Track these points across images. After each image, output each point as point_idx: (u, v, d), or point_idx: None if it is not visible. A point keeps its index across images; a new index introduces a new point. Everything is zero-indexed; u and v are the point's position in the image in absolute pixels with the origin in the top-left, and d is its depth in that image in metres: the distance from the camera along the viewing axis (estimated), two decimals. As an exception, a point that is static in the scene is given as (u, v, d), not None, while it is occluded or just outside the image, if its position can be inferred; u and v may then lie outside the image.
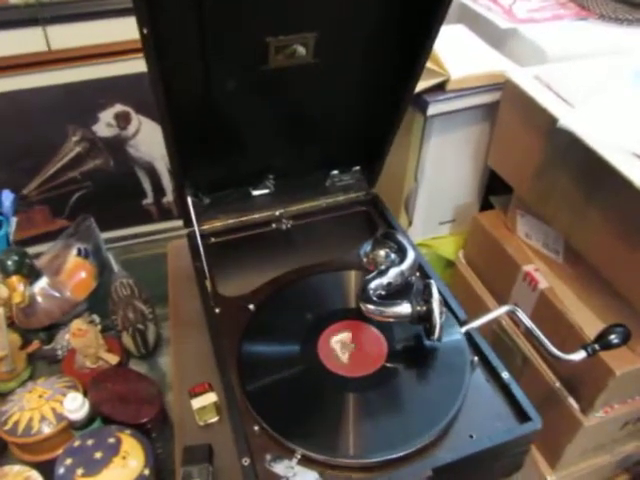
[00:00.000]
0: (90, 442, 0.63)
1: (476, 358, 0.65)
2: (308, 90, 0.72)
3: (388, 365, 0.65)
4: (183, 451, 0.63)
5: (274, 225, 0.85)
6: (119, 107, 1.24)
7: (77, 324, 0.77)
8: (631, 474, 1.07)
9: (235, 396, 0.61)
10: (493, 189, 1.07)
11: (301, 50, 0.63)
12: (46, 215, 1.34)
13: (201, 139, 0.73)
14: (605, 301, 0.80)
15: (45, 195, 1.30)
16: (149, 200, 1.39)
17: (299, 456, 0.56)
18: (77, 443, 0.64)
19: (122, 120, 1.26)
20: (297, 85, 0.71)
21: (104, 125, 1.25)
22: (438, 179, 1.01)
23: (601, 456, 0.95)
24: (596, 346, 0.63)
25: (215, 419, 0.69)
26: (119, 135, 1.27)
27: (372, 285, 0.66)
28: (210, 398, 0.69)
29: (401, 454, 0.56)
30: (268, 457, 0.56)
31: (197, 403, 0.69)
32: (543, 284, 0.86)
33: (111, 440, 0.64)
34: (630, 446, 0.97)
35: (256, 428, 0.59)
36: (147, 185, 1.37)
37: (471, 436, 0.58)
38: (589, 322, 0.80)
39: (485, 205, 1.08)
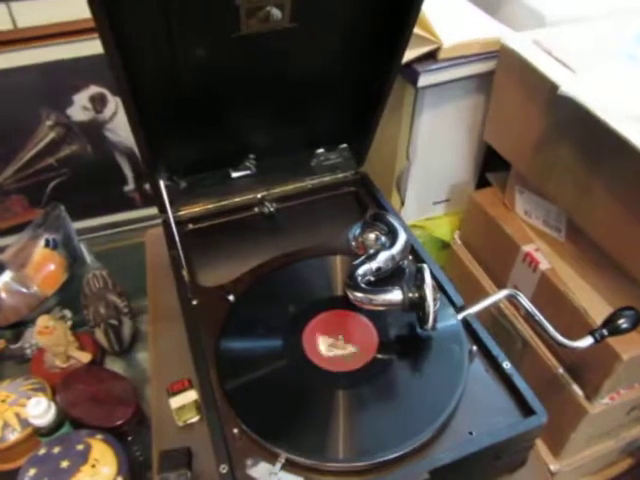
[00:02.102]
0: (56, 450, 0.58)
1: (475, 347, 0.60)
2: (286, 59, 0.67)
3: (380, 357, 0.60)
4: (159, 456, 0.58)
5: (256, 209, 0.80)
6: (94, 89, 1.17)
7: (43, 321, 0.72)
8: (635, 458, 1.04)
9: (213, 396, 0.56)
10: (489, 166, 1.02)
11: (276, 13, 0.57)
12: (24, 205, 1.28)
13: (171, 117, 0.68)
14: (611, 281, 0.76)
15: (21, 184, 1.24)
16: (130, 187, 1.33)
17: (283, 460, 0.51)
18: (42, 451, 0.59)
19: (98, 103, 1.20)
20: (274, 54, 0.65)
21: (79, 108, 1.19)
22: (431, 156, 0.96)
23: (605, 442, 0.93)
24: (604, 331, 0.58)
25: (196, 419, 0.65)
26: (96, 119, 1.21)
27: (360, 271, 0.61)
28: (190, 396, 0.64)
29: (395, 455, 0.51)
30: (249, 462, 0.52)
31: (176, 402, 0.65)
32: (544, 265, 0.82)
33: (79, 447, 0.59)
34: (635, 431, 0.94)
35: (236, 431, 0.54)
36: (128, 171, 1.31)
37: (471, 433, 0.54)
38: (594, 304, 0.76)
39: (481, 183, 1.04)
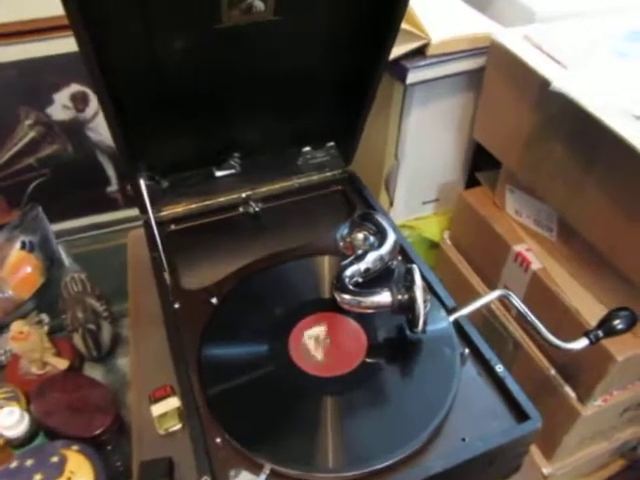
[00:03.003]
0: (29, 462, 0.55)
1: (467, 350, 0.58)
2: (271, 54, 0.64)
3: (369, 361, 0.58)
4: (139, 467, 0.55)
5: (241, 209, 0.77)
6: (75, 87, 1.14)
7: (17, 326, 0.69)
8: (627, 459, 1.03)
9: (195, 403, 0.54)
10: (478, 165, 1.01)
11: (259, 4, 0.55)
12: (2, 206, 1.24)
13: (151, 114, 0.65)
14: (603, 281, 0.75)
15: (0, 184, 1.20)
16: (114, 187, 1.30)
17: (268, 471, 0.49)
18: (14, 464, 0.56)
19: (79, 101, 1.17)
20: (258, 48, 0.62)
21: (60, 107, 1.16)
22: (420, 155, 0.94)
23: (598, 444, 0.91)
24: (599, 333, 0.57)
25: (178, 427, 0.62)
26: (77, 118, 1.18)
27: (348, 272, 0.59)
28: (172, 403, 0.62)
29: (385, 464, 0.49)
30: (232, 473, 0.49)
31: (158, 409, 0.62)
32: (535, 265, 0.81)
33: (54, 459, 0.56)
34: (628, 432, 0.93)
35: (219, 440, 0.51)
36: (111, 171, 1.28)
37: (463, 439, 0.52)
38: (586, 305, 0.75)
39: (471, 183, 1.02)
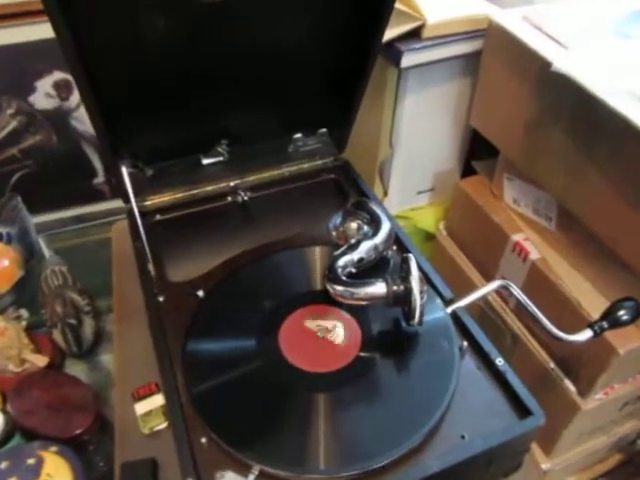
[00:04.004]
0: (4, 465, 0.52)
1: (465, 343, 0.55)
2: (259, 35, 0.61)
3: (363, 355, 0.55)
4: (120, 470, 0.52)
5: (229, 198, 0.74)
6: (58, 75, 1.11)
7: (-7, 321, 0.66)
8: (625, 454, 1.02)
9: (179, 401, 0.51)
10: (475, 154, 0.98)
11: (245, -22, 0.52)
12: (-14, 198, 1.20)
13: (133, 98, 0.62)
14: (604, 271, 0.73)
15: (-18, 176, 1.17)
16: (100, 179, 1.27)
17: (256, 472, 0.46)
18: (-12, 467, 0.53)
19: (63, 89, 1.13)
20: (245, 28, 0.59)
21: (42, 95, 1.13)
22: (415, 143, 0.91)
23: (598, 438, 0.90)
24: (604, 324, 0.54)
25: (163, 426, 0.59)
26: (61, 107, 1.15)
27: (340, 262, 0.56)
28: (157, 401, 0.60)
29: (381, 464, 0.47)
30: (218, 475, 0.47)
31: (142, 407, 0.60)
32: (534, 255, 0.79)
33: (30, 461, 0.53)
34: (627, 426, 0.92)
35: (204, 440, 0.48)
36: (97, 163, 1.25)
37: (463, 437, 0.49)
38: (587, 295, 0.73)
39: (467, 172, 0.99)
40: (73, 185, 1.24)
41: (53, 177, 1.20)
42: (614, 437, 0.92)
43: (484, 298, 0.87)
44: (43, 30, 1.04)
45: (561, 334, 0.53)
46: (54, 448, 0.56)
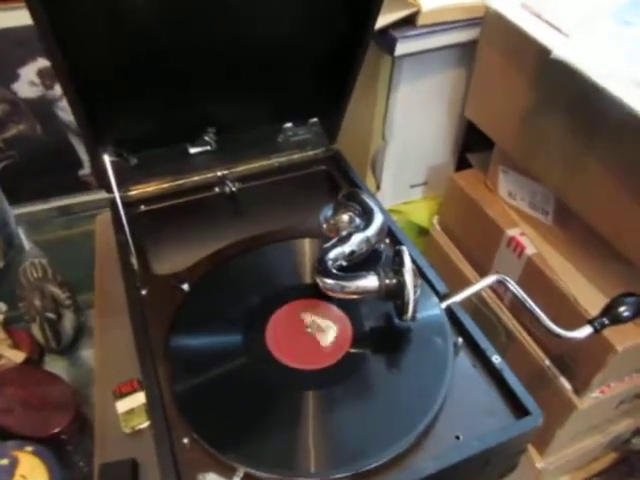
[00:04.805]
0: (-26, 466, 0.50)
1: (460, 339, 0.53)
2: (245, 15, 0.59)
3: (354, 352, 0.52)
4: (99, 470, 0.50)
5: (217, 189, 0.72)
6: (42, 62, 1.07)
7: (-33, 315, 0.63)
8: (619, 453, 1.01)
9: (161, 399, 0.49)
10: (469, 147, 0.96)
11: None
12: (-35, 189, 1.17)
13: (116, 83, 0.59)
14: (602, 267, 0.71)
15: (-35, 167, 1.14)
16: (86, 171, 1.23)
17: (241, 474, 0.44)
18: (-43, 468, 0.50)
19: (47, 77, 1.10)
20: (231, 8, 0.57)
21: (26, 83, 1.09)
22: (408, 135, 0.89)
23: (592, 437, 0.88)
24: (605, 320, 0.52)
25: (145, 424, 0.57)
26: (45, 95, 1.12)
27: (331, 255, 0.53)
28: (140, 399, 0.58)
29: (371, 466, 0.44)
30: (200, 477, 0.44)
31: (123, 405, 0.58)
32: (530, 250, 0.77)
33: (4, 462, 0.50)
34: (622, 424, 0.90)
35: (186, 440, 0.46)
36: (84, 154, 1.21)
37: (457, 437, 0.47)
38: (584, 292, 0.71)
39: (461, 166, 0.97)
40: (59, 177, 1.21)
41: (38, 168, 1.17)
42: (609, 436, 0.90)
43: (479, 295, 0.85)
44: (24, 16, 1.01)
45: (560, 331, 0.52)
46: (30, 448, 0.53)
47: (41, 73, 1.08)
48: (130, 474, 0.50)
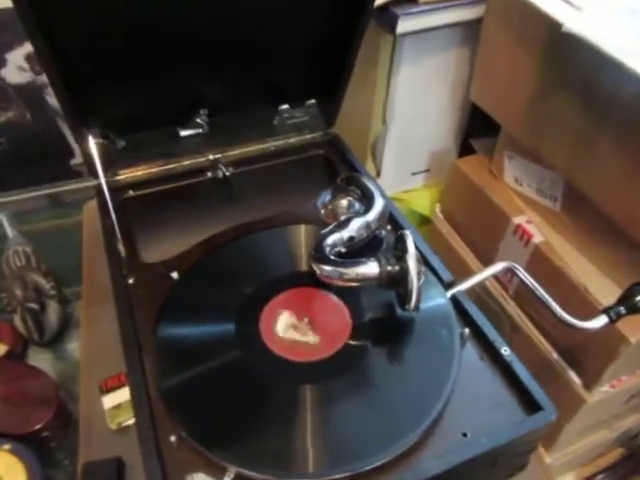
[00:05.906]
0: (-53, 466, 0.47)
1: (467, 330, 0.50)
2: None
3: (353, 343, 0.49)
4: (82, 470, 0.47)
5: (209, 173, 0.69)
6: (31, 46, 1.03)
7: (-57, 305, 0.60)
8: (627, 448, 0.98)
9: (147, 394, 0.45)
10: (472, 134, 0.93)
11: None
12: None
13: (102, 59, 0.56)
14: (613, 254, 0.68)
15: (-48, 156, 1.11)
16: (78, 160, 1.20)
17: (232, 475, 0.41)
18: None
19: (36, 62, 1.06)
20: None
21: (14, 69, 1.06)
22: (410, 119, 0.86)
23: (600, 432, 0.85)
24: (621, 309, 0.49)
25: (132, 421, 0.54)
26: (34, 81, 1.08)
27: (329, 241, 0.50)
28: (126, 394, 0.54)
29: (373, 466, 0.41)
30: (189, 477, 0.41)
31: (110, 401, 0.56)
32: (537, 238, 0.74)
33: (-22, 461, 0.47)
34: (630, 420, 0.88)
35: (173, 438, 0.43)
36: (74, 141, 1.18)
37: (465, 434, 0.44)
38: (595, 280, 0.68)
39: (464, 152, 0.94)
40: (49, 165, 1.18)
41: (27, 156, 1.14)
42: (617, 431, 0.88)
43: (483, 285, 0.82)
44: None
45: (574, 321, 0.48)
46: (7, 446, 0.50)
47: (30, 58, 1.05)
48: (115, 473, 0.47)
